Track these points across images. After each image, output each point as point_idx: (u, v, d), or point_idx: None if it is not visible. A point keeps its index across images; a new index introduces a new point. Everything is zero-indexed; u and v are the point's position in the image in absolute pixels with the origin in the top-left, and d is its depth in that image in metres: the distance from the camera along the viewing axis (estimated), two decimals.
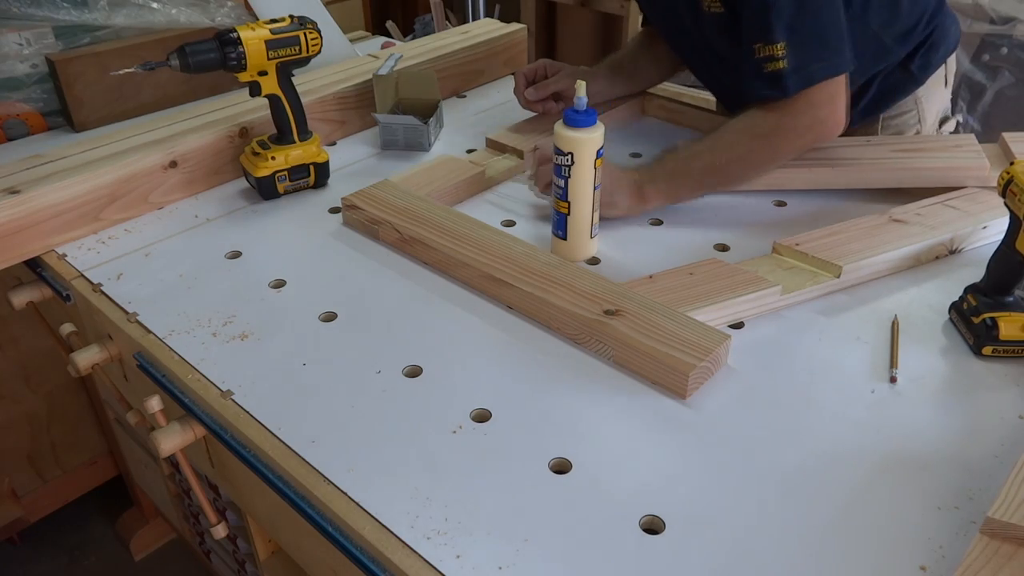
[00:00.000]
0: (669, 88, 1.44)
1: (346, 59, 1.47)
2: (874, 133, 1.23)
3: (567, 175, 0.94)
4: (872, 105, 1.19)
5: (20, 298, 1.07)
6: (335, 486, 0.70)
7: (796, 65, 0.96)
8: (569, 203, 0.96)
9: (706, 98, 1.38)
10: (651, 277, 0.92)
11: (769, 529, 0.65)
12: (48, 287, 1.06)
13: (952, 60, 1.24)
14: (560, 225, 0.99)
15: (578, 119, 0.92)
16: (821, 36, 0.97)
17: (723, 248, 1.03)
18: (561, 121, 0.93)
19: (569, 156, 0.92)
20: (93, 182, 1.05)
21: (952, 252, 1.00)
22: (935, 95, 1.24)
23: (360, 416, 0.77)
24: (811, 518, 0.66)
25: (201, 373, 0.83)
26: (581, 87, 0.92)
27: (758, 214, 1.10)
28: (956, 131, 1.32)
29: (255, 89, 1.08)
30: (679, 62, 1.32)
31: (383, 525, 0.66)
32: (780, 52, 0.96)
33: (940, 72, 1.22)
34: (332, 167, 1.19)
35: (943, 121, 1.29)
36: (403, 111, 1.34)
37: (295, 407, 0.78)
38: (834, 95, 0.99)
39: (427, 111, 1.32)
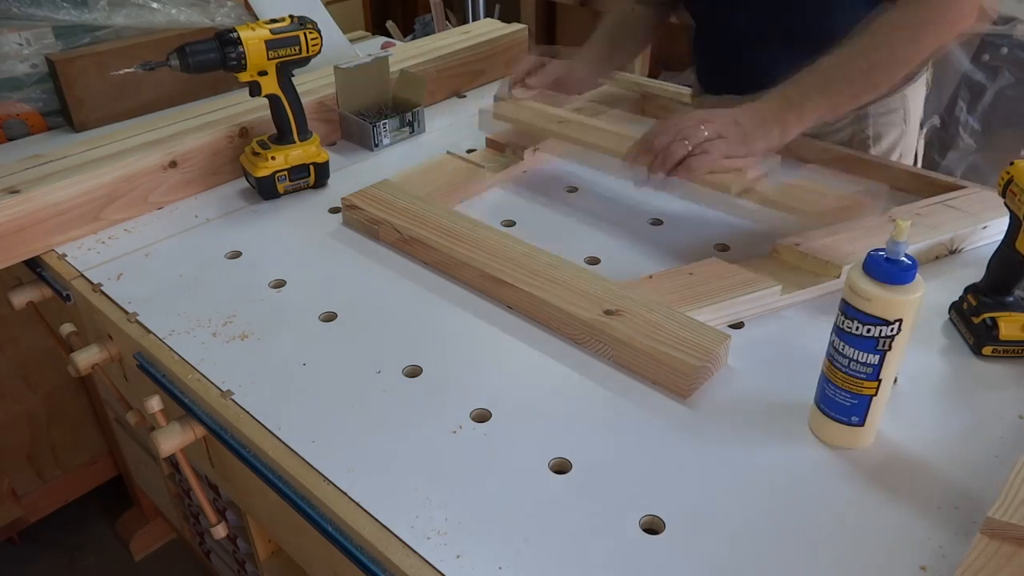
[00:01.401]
0: (669, 88, 1.44)
1: (346, 59, 1.47)
2: (864, 129, 1.23)
3: (886, 348, 0.67)
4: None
5: (20, 298, 1.07)
6: (335, 486, 0.70)
7: None
8: (880, 381, 0.69)
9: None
10: (651, 277, 0.92)
11: (769, 529, 0.65)
12: (48, 287, 1.06)
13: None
14: (858, 410, 0.70)
15: (902, 273, 0.65)
16: None
17: (723, 248, 1.03)
18: (861, 273, 0.66)
19: (896, 324, 0.65)
20: (93, 182, 1.05)
21: (952, 252, 1.00)
22: (918, 95, 1.25)
23: (360, 416, 0.77)
24: (811, 518, 0.66)
25: (201, 373, 0.83)
26: (903, 229, 0.64)
27: (758, 214, 1.09)
28: (942, 129, 1.34)
29: (255, 89, 1.08)
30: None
31: (383, 525, 0.66)
32: None
33: (925, 73, 1.23)
34: (332, 167, 1.19)
35: (922, 124, 1.32)
36: (395, 109, 1.36)
37: (295, 407, 0.78)
38: None
39: (405, 111, 1.34)
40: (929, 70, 1.25)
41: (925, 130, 1.32)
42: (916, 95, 1.24)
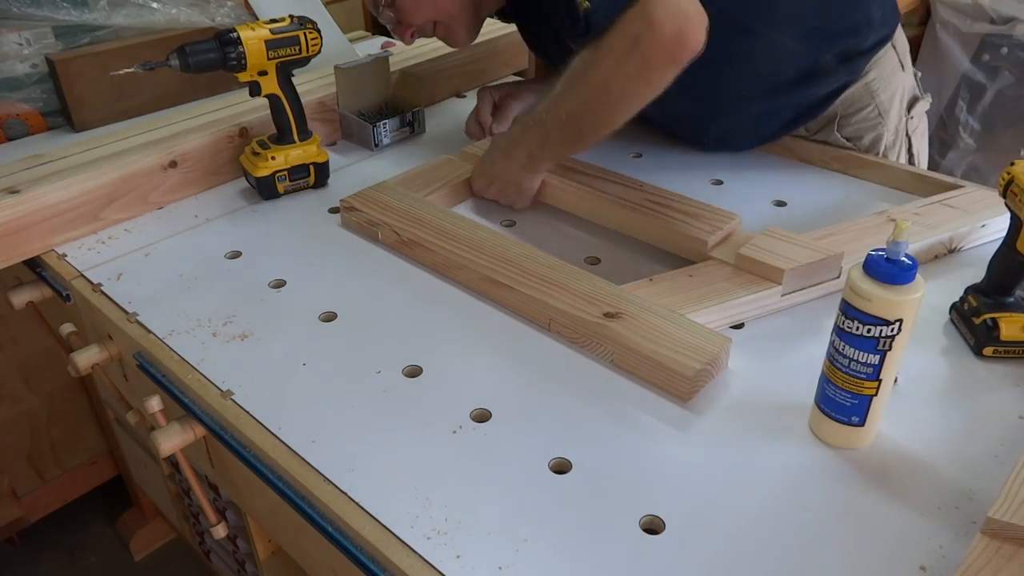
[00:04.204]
0: None
1: (346, 59, 1.47)
2: (832, 131, 1.19)
3: (887, 348, 0.67)
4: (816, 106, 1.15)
5: (20, 298, 1.07)
6: (335, 486, 0.70)
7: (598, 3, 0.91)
8: (880, 382, 0.69)
9: None
10: (651, 279, 0.92)
11: (769, 529, 0.65)
12: (48, 287, 1.06)
13: (902, 40, 1.18)
14: (859, 410, 0.70)
15: (902, 273, 0.64)
16: None
17: None
18: (861, 273, 0.66)
19: (897, 324, 0.66)
20: (93, 182, 1.05)
21: (951, 251, 1.00)
22: (892, 83, 1.17)
23: (360, 416, 0.77)
24: (811, 518, 0.66)
25: (201, 373, 0.83)
26: (903, 230, 0.64)
27: (757, 214, 1.10)
28: (942, 129, 1.29)
29: (255, 89, 1.08)
30: None
31: (383, 525, 0.66)
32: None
33: (890, 58, 1.15)
34: (332, 167, 1.19)
35: (911, 105, 1.23)
36: (395, 109, 1.36)
37: (295, 407, 0.78)
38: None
39: (405, 111, 1.34)
40: (895, 49, 1.16)
41: (917, 110, 1.22)
42: (886, 85, 1.16)
